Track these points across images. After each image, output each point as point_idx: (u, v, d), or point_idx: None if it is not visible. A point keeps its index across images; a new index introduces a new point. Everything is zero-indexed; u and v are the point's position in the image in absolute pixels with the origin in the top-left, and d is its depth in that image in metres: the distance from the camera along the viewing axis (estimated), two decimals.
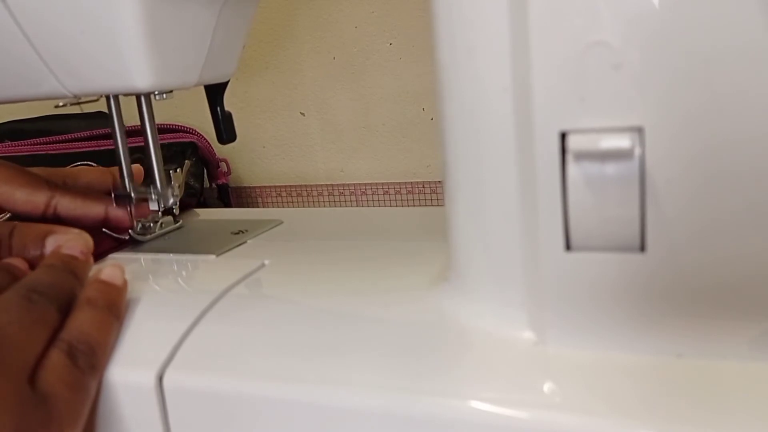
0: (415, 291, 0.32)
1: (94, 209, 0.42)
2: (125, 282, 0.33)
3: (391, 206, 0.70)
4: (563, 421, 0.22)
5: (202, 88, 0.45)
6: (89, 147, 0.68)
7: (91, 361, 0.28)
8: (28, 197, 0.40)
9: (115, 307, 0.31)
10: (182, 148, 0.67)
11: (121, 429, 0.28)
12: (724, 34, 0.21)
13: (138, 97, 0.41)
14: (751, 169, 0.22)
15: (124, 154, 0.42)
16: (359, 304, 0.31)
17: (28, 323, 0.27)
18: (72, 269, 0.32)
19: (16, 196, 0.40)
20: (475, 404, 0.23)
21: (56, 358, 0.27)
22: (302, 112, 0.72)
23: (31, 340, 0.27)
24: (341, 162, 0.73)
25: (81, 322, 0.29)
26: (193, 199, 0.64)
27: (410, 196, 0.70)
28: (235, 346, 0.29)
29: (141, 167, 0.43)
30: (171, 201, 0.43)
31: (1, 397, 0.24)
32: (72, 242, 0.34)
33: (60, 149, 0.68)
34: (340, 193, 0.73)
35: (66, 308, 0.30)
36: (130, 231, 0.43)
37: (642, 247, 0.23)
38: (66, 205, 0.41)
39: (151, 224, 0.44)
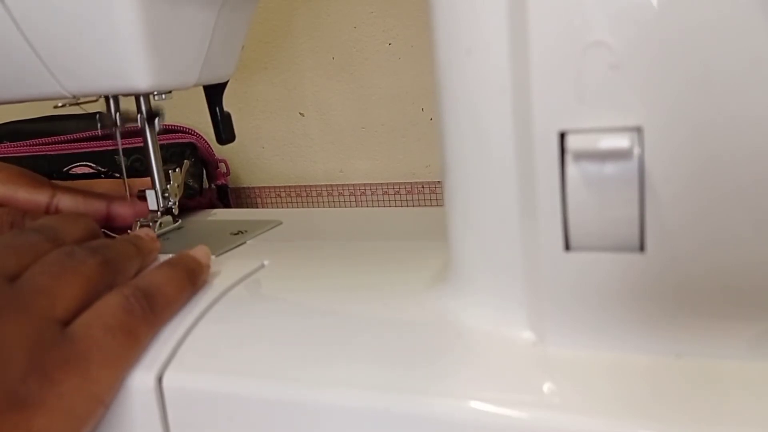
0: (414, 291, 0.32)
1: (95, 206, 0.43)
2: (209, 265, 0.34)
3: (390, 206, 0.70)
4: (563, 421, 0.22)
5: (201, 88, 0.45)
6: (89, 147, 0.67)
7: (150, 306, 0.28)
8: (30, 196, 0.42)
9: (194, 275, 0.32)
10: (181, 149, 0.66)
11: (121, 429, 0.28)
12: (723, 33, 0.21)
13: (137, 97, 0.41)
14: (751, 169, 0.22)
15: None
16: (358, 304, 0.31)
17: (60, 272, 0.28)
18: (134, 242, 0.34)
19: (18, 195, 0.42)
20: (475, 404, 0.23)
21: (111, 301, 0.28)
22: (301, 112, 0.72)
23: (61, 286, 0.27)
24: (340, 162, 0.73)
25: (155, 274, 0.30)
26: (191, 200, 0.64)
27: (409, 197, 0.70)
28: (234, 346, 0.29)
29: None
30: (172, 201, 0.43)
31: (19, 333, 0.25)
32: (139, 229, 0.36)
33: (60, 150, 0.68)
34: (340, 194, 0.73)
35: (114, 263, 0.30)
36: (128, 231, 0.43)
37: (641, 247, 0.23)
38: (67, 202, 0.43)
39: (150, 224, 0.44)
